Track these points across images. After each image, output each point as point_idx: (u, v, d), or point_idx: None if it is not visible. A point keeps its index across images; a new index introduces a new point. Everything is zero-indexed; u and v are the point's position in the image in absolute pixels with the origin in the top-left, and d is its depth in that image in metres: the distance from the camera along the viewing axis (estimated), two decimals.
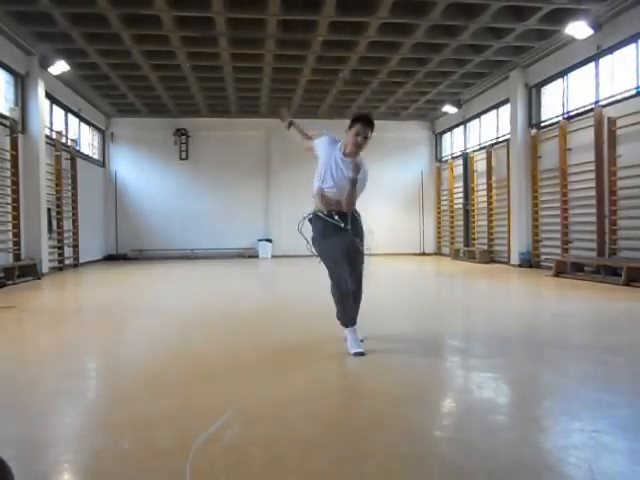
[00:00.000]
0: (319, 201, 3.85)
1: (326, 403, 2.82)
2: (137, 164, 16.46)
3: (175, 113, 15.91)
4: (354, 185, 3.69)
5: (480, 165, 14.23)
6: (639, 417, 2.55)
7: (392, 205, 16.48)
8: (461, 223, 15.32)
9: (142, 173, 16.46)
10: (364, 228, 4.02)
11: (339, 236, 3.80)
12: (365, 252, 3.93)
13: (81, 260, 13.40)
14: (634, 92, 8.71)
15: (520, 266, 11.64)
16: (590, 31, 9.12)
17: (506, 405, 2.89)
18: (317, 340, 4.35)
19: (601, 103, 9.46)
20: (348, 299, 3.85)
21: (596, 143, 9.37)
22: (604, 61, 9.52)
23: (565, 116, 10.62)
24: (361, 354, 3.77)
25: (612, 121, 9.00)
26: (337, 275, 3.85)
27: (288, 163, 15.98)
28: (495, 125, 13.75)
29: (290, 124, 4.26)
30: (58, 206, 11.98)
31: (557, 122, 10.77)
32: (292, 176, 16.10)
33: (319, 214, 3.88)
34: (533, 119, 11.81)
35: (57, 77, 11.53)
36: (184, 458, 2.06)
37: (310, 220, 3.97)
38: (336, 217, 3.82)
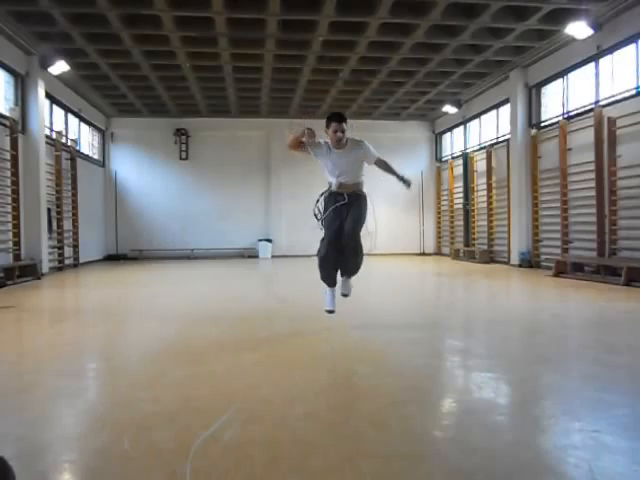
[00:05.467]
0: (336, 187, 4.54)
1: (326, 403, 2.81)
2: (137, 164, 16.45)
3: (175, 113, 15.91)
4: (359, 164, 4.56)
5: (480, 165, 14.23)
6: (639, 417, 2.55)
7: (392, 205, 16.43)
8: (461, 223, 15.32)
9: (142, 173, 16.46)
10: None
11: (341, 205, 4.50)
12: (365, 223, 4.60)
13: (81, 260, 13.41)
14: (634, 92, 8.71)
15: (520, 266, 11.64)
16: (590, 31, 9.13)
17: (506, 405, 2.89)
18: (317, 340, 4.36)
19: (601, 103, 9.46)
20: (326, 263, 4.51)
21: (596, 143, 9.37)
22: (604, 61, 9.52)
23: (565, 116, 10.61)
24: (330, 312, 4.57)
25: (612, 121, 9.00)
26: (327, 233, 4.49)
27: (288, 163, 15.96)
28: (495, 125, 13.75)
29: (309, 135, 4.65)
30: (58, 206, 11.98)
31: (557, 122, 10.77)
32: (292, 176, 16.14)
33: (331, 192, 4.59)
34: (533, 119, 11.80)
35: (57, 77, 11.53)
36: (184, 458, 2.06)
37: (324, 196, 4.66)
38: (343, 194, 4.53)
